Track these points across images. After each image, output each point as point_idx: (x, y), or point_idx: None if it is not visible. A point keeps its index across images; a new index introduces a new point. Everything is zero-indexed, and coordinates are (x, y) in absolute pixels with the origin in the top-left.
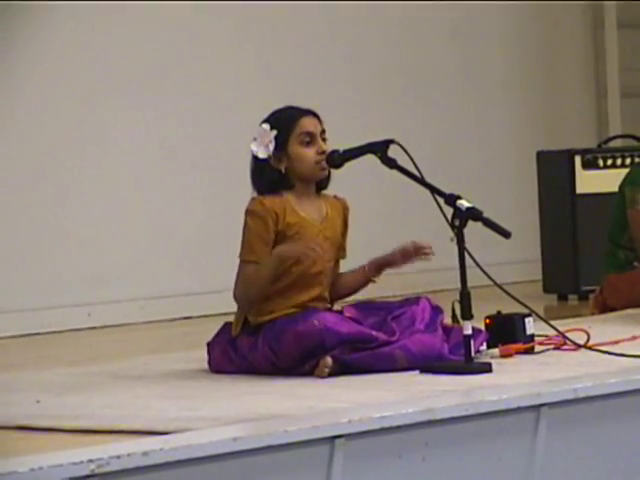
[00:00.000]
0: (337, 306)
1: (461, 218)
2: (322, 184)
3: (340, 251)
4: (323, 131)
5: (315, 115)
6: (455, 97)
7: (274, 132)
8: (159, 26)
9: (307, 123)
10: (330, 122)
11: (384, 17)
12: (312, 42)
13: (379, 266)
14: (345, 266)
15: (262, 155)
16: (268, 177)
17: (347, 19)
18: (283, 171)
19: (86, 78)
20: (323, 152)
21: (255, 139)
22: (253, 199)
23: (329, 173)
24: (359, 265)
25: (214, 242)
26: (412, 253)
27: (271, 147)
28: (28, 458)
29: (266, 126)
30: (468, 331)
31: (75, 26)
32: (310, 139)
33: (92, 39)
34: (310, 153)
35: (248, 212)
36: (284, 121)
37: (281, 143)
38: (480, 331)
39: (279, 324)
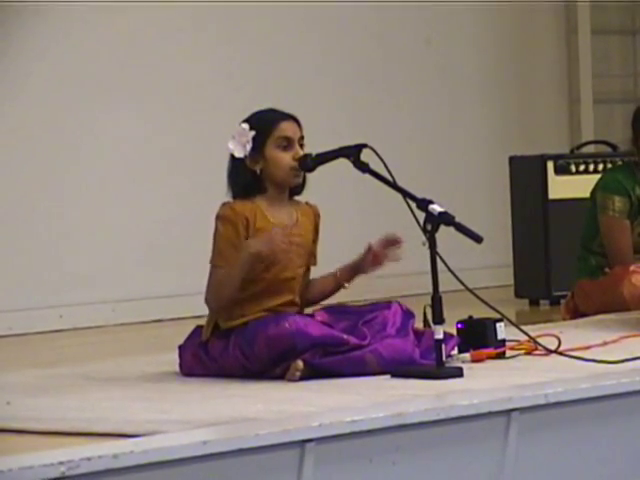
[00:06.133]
0: (308, 310)
1: (433, 223)
2: (296, 189)
3: (311, 258)
4: (302, 137)
5: (296, 120)
6: (428, 102)
7: (252, 133)
8: (145, 29)
9: (286, 128)
10: (306, 126)
11: (359, 21)
12: (288, 45)
13: (350, 272)
14: (319, 271)
15: (238, 154)
16: (242, 178)
17: (323, 23)
18: (258, 172)
19: (66, 81)
20: (299, 159)
21: (233, 137)
22: (223, 204)
23: (304, 179)
24: (331, 271)
25: (186, 245)
26: (380, 254)
27: (248, 147)
28: None
29: (245, 126)
30: (439, 336)
31: (66, 28)
32: (288, 144)
33: (81, 41)
34: (286, 158)
35: (218, 217)
36: (264, 123)
37: (258, 145)
38: (451, 336)
39: (250, 327)
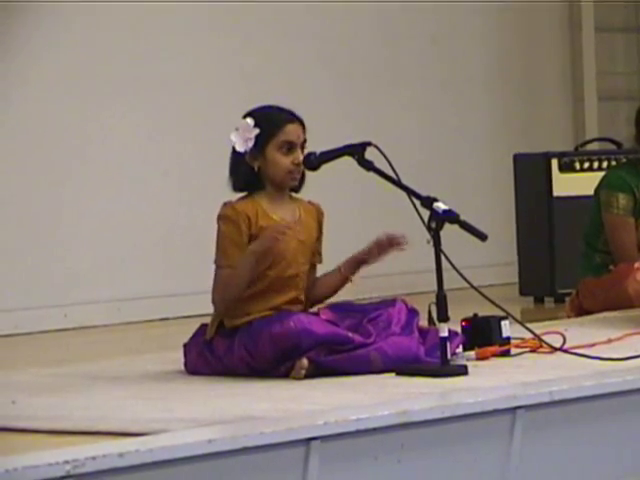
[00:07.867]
0: (313, 309)
1: (438, 221)
2: (295, 187)
3: (315, 256)
4: (304, 141)
5: (301, 123)
6: (433, 100)
7: (257, 130)
8: (146, 28)
9: (291, 131)
10: (310, 125)
11: (365, 20)
12: (294, 45)
13: (355, 264)
14: (325, 269)
15: (239, 148)
16: (242, 172)
17: (328, 22)
18: (256, 169)
19: (68, 80)
20: (299, 164)
21: (237, 130)
22: (225, 204)
23: (303, 177)
24: (335, 266)
25: (190, 244)
26: (386, 245)
27: (250, 143)
28: (3, 459)
29: (250, 121)
30: (444, 333)
31: (67, 27)
32: (290, 147)
33: (83, 40)
34: (286, 162)
35: (220, 217)
36: (269, 123)
37: (260, 143)
38: (456, 333)
39: (255, 326)
